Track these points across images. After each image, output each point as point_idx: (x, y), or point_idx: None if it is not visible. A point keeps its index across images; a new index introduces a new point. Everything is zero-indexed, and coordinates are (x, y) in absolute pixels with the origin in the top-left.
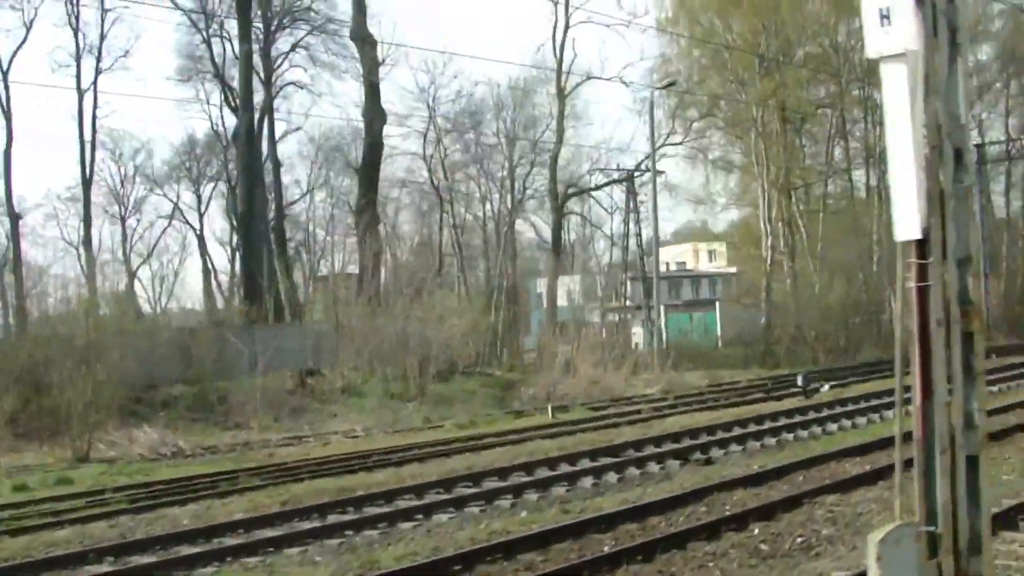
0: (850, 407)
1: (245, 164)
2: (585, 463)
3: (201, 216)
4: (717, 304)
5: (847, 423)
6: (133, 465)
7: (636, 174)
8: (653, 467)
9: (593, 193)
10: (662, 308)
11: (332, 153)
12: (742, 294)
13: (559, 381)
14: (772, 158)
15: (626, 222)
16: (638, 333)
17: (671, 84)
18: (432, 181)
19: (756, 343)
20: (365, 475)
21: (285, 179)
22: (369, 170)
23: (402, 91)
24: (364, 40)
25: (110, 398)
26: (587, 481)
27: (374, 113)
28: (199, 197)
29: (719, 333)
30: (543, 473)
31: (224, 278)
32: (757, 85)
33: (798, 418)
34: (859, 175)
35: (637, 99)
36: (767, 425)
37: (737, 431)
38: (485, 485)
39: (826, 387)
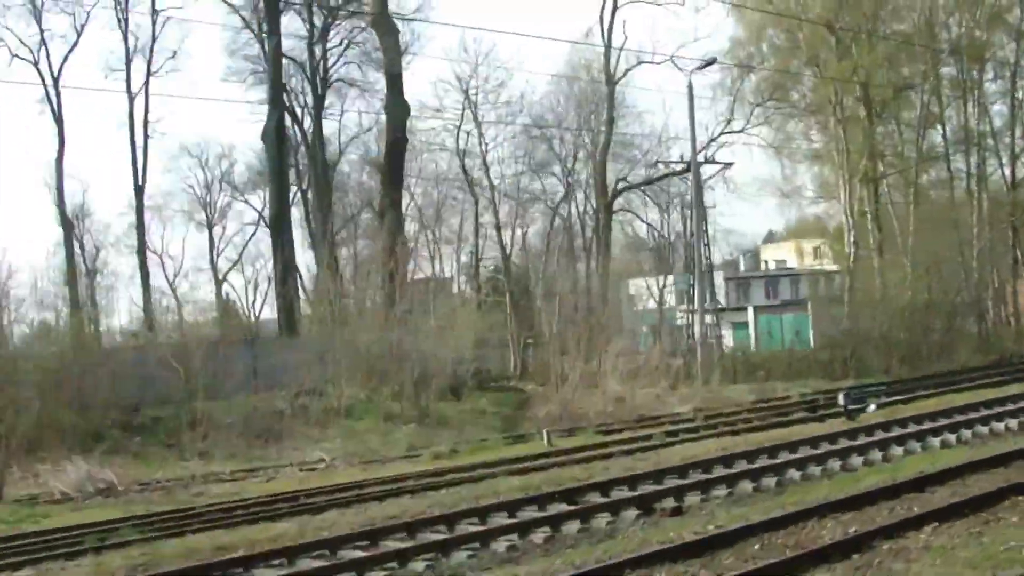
0: (895, 432)
1: (274, 166)
2: (529, 512)
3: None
4: (809, 305)
5: (877, 455)
6: (40, 508)
7: (702, 165)
8: (602, 520)
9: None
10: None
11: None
12: (835, 294)
13: (577, 399)
14: (853, 145)
15: (690, 219)
16: (726, 336)
17: (711, 62)
18: (466, 177)
19: (823, 350)
20: (266, 525)
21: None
22: (392, 168)
23: (439, 83)
24: (385, 27)
25: (39, 427)
26: (503, 543)
27: (396, 106)
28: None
29: (811, 335)
30: (467, 527)
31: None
32: (834, 65)
33: (824, 448)
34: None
35: (701, 84)
36: (780, 458)
37: (738, 466)
38: (383, 545)
39: (873, 406)
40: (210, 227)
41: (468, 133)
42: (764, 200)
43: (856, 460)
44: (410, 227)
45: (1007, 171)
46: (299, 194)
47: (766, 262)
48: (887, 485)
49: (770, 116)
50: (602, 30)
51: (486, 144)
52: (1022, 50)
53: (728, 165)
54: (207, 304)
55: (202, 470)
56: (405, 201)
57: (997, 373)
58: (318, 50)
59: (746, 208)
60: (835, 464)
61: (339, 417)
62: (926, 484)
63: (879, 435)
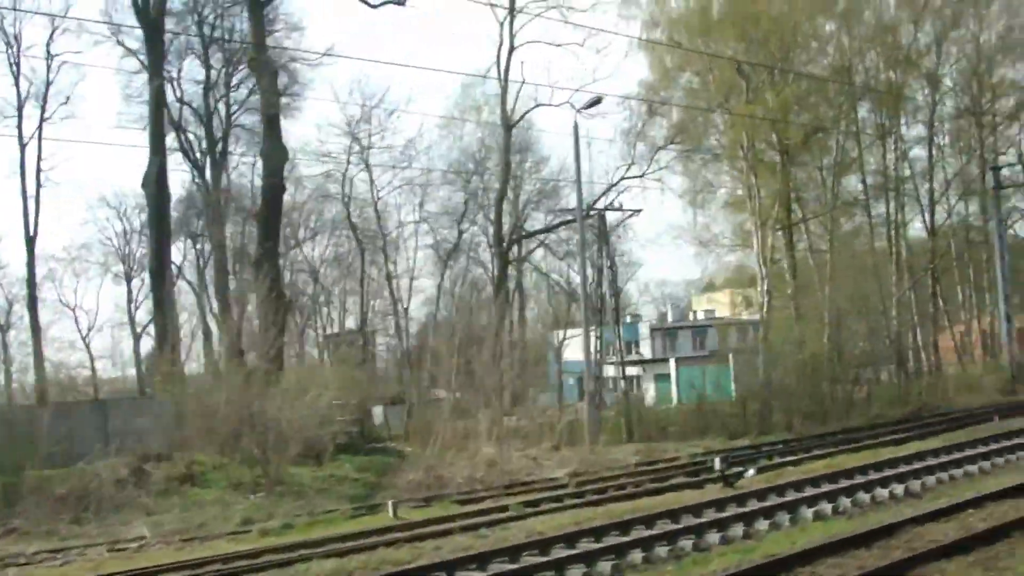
0: (770, 501)
1: (154, 216)
2: None
3: (200, 273)
4: (730, 357)
5: (737, 532)
6: None
7: (609, 211)
8: None
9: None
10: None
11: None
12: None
13: (447, 463)
14: (765, 191)
15: (598, 268)
16: (649, 389)
17: (598, 101)
18: (351, 225)
19: (732, 405)
20: None
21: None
22: (268, 215)
23: (326, 126)
24: (262, 67)
25: None
26: None
27: (273, 150)
28: (198, 254)
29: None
30: None
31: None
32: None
33: (684, 522)
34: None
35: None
36: (632, 535)
37: (581, 546)
38: None
39: (752, 471)
40: (128, 279)
41: (351, 179)
42: (681, 248)
43: (713, 537)
44: (323, 279)
45: (927, 217)
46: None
47: (694, 312)
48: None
49: (673, 160)
50: (499, 72)
51: (378, 191)
52: (939, 95)
53: (635, 212)
54: (126, 360)
55: (8, 550)
56: (317, 251)
57: (904, 429)
58: (216, 95)
59: (681, 257)
60: (688, 543)
61: (185, 486)
62: (771, 571)
63: (751, 505)
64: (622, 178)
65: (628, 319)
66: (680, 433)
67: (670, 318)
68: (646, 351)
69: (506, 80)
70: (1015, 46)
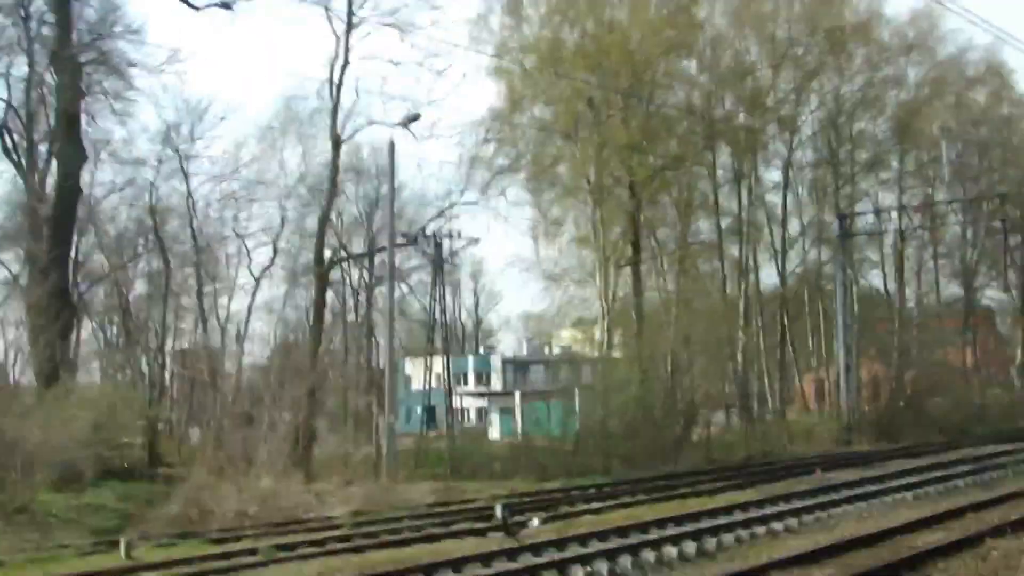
0: (544, 557)
1: None
2: None
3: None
4: (576, 392)
5: None
6: None
7: (447, 238)
8: None
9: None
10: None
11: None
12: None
13: (223, 495)
14: (609, 227)
15: (432, 297)
16: (495, 421)
17: (415, 117)
18: (157, 237)
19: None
20: None
21: None
22: (60, 221)
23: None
24: (63, 64)
25: None
26: None
27: (70, 151)
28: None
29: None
30: None
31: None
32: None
33: None
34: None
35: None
36: None
37: None
38: None
39: (536, 521)
40: None
41: (156, 185)
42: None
43: None
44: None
45: (778, 263)
46: None
47: (548, 346)
48: None
49: (510, 186)
50: (331, 86)
51: (194, 203)
52: (797, 142)
53: (473, 240)
54: None
55: None
56: (156, 264)
57: (725, 477)
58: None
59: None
60: None
61: None
62: None
63: (522, 561)
64: (451, 204)
65: (483, 350)
66: (499, 471)
67: (524, 351)
68: (497, 383)
69: (338, 95)
70: (874, 101)
